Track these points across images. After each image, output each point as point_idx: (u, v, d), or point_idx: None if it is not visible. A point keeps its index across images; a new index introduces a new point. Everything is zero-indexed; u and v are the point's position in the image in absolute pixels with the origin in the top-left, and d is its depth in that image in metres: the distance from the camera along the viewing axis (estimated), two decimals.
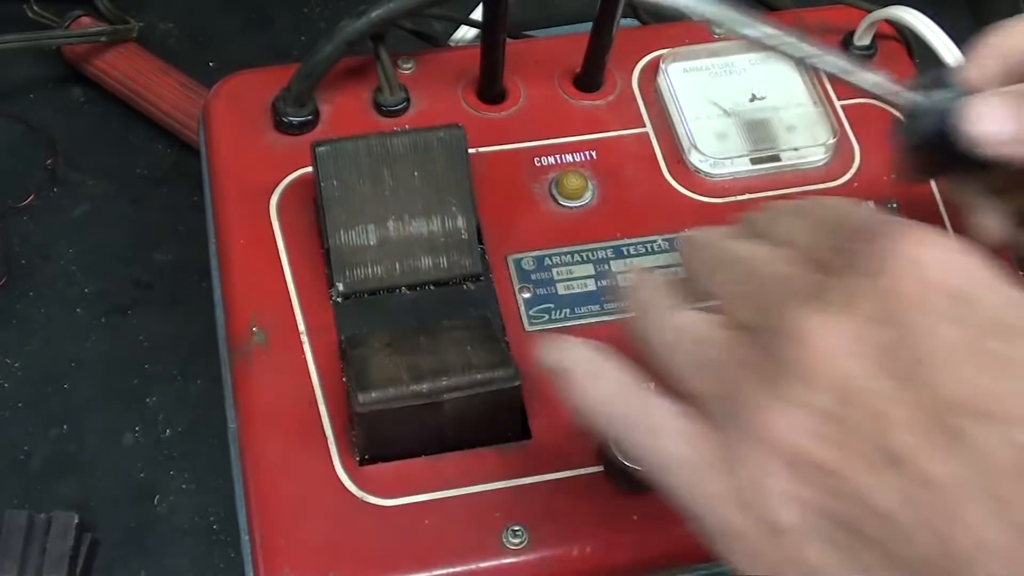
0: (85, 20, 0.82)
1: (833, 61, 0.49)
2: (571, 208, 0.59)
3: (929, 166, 0.52)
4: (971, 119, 0.47)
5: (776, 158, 0.61)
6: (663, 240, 0.58)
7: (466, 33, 0.72)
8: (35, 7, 0.82)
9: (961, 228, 0.52)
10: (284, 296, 0.55)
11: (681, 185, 0.60)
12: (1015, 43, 0.49)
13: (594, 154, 0.61)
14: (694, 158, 0.60)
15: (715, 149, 0.61)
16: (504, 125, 0.61)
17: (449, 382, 0.49)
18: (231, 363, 0.54)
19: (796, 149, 0.61)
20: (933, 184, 0.61)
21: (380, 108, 0.61)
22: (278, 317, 0.54)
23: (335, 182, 0.55)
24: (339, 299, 0.55)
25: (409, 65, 0.63)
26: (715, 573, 0.51)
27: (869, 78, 0.49)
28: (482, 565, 0.49)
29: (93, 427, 0.71)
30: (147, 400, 0.72)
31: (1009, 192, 0.50)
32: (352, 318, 0.54)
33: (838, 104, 0.63)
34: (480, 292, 0.55)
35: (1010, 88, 0.47)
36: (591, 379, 0.40)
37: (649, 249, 0.58)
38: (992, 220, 0.51)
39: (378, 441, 0.50)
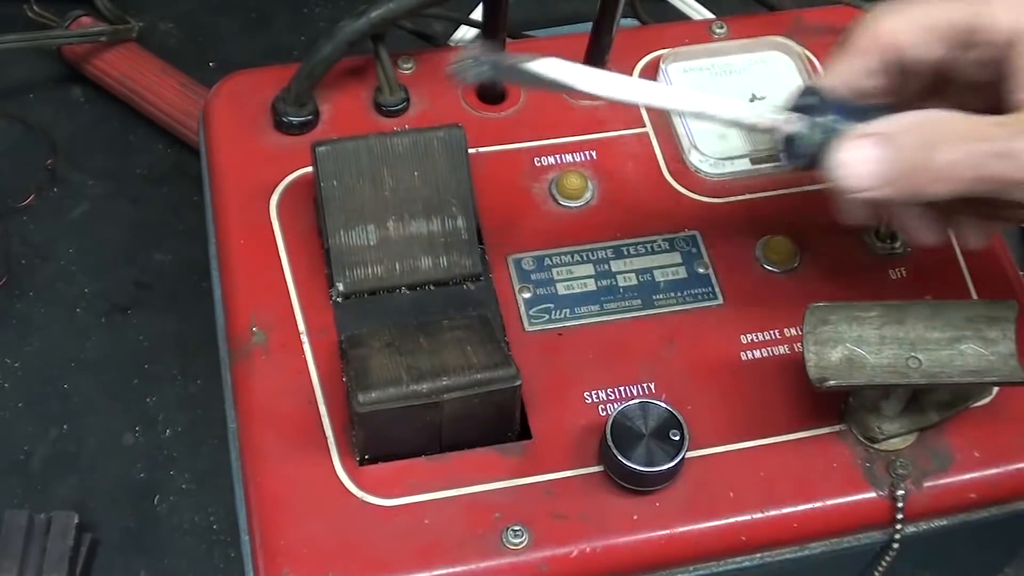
0: (85, 20, 0.82)
1: (706, 105, 0.49)
2: (571, 208, 0.59)
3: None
4: (834, 169, 0.47)
5: (776, 158, 0.61)
6: (663, 240, 0.58)
7: (466, 33, 0.72)
8: (35, 7, 0.83)
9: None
10: (284, 296, 0.55)
11: (681, 185, 0.60)
12: (887, 34, 0.49)
13: (594, 154, 0.61)
14: (694, 158, 0.60)
15: (715, 149, 0.61)
16: (504, 125, 0.61)
17: (449, 382, 0.49)
18: (231, 363, 0.54)
19: None
20: None
21: (380, 108, 0.61)
22: (278, 317, 0.54)
23: (335, 182, 0.55)
24: (339, 299, 0.55)
25: (409, 65, 0.63)
26: (715, 573, 0.51)
27: (745, 113, 0.49)
28: (482, 565, 0.49)
29: (93, 427, 0.71)
30: (147, 400, 0.72)
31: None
32: (352, 318, 0.54)
33: None
34: (480, 292, 0.55)
35: (876, 128, 0.46)
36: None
37: (649, 249, 0.58)
38: (919, 225, 0.51)
39: (378, 441, 0.50)
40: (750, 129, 0.51)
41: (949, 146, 0.45)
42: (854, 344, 0.50)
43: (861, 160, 0.46)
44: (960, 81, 0.50)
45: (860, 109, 0.48)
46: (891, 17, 0.49)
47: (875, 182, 0.46)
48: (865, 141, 0.46)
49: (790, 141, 0.48)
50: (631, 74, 0.64)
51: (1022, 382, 0.48)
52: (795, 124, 0.48)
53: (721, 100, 0.49)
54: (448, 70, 0.47)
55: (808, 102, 0.49)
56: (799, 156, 0.48)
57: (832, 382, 0.48)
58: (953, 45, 0.48)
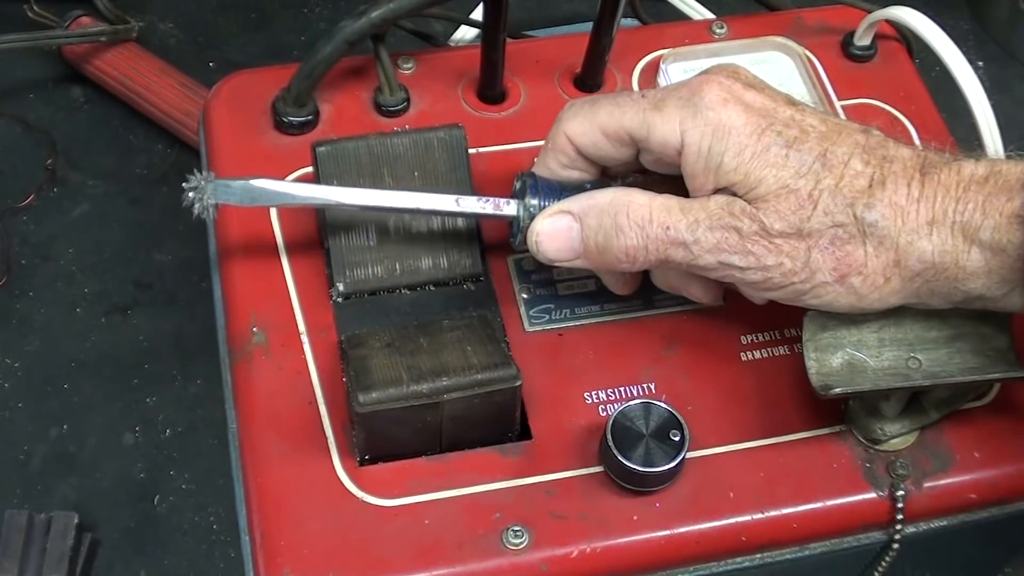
0: (85, 20, 0.82)
1: (420, 202, 0.53)
2: None
3: None
4: (531, 240, 0.51)
5: None
6: None
7: (466, 33, 0.72)
8: (35, 7, 0.83)
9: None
10: (284, 296, 0.55)
11: None
12: (571, 134, 0.51)
13: None
14: None
15: None
16: (504, 125, 0.61)
17: (449, 382, 0.49)
18: (231, 363, 0.54)
19: None
20: None
21: (380, 108, 0.61)
22: (278, 317, 0.54)
23: (335, 182, 0.55)
24: (339, 299, 0.55)
25: (409, 65, 0.63)
26: (715, 573, 0.51)
27: (468, 203, 0.53)
28: (482, 565, 0.49)
29: (93, 427, 0.71)
30: (147, 400, 0.73)
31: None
32: (352, 318, 0.54)
33: (838, 104, 0.63)
34: (480, 292, 0.55)
35: (567, 207, 0.51)
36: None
37: None
38: (696, 289, 0.53)
39: (378, 441, 0.50)
40: (478, 218, 0.55)
41: (629, 231, 0.49)
42: (854, 348, 0.50)
43: (553, 234, 0.51)
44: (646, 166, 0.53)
45: (566, 188, 0.52)
46: (575, 120, 0.52)
47: (567, 255, 0.51)
48: (558, 217, 0.51)
49: (511, 223, 0.53)
50: (631, 74, 0.64)
51: (1022, 377, 0.48)
52: (511, 208, 0.52)
53: (436, 197, 0.53)
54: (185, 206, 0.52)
55: (525, 185, 0.52)
56: (515, 235, 0.53)
57: (837, 389, 0.48)
58: (629, 146, 0.51)
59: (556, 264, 0.52)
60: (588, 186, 0.52)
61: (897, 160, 0.47)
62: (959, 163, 0.47)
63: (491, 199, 0.52)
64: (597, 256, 0.50)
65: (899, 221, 0.46)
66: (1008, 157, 0.48)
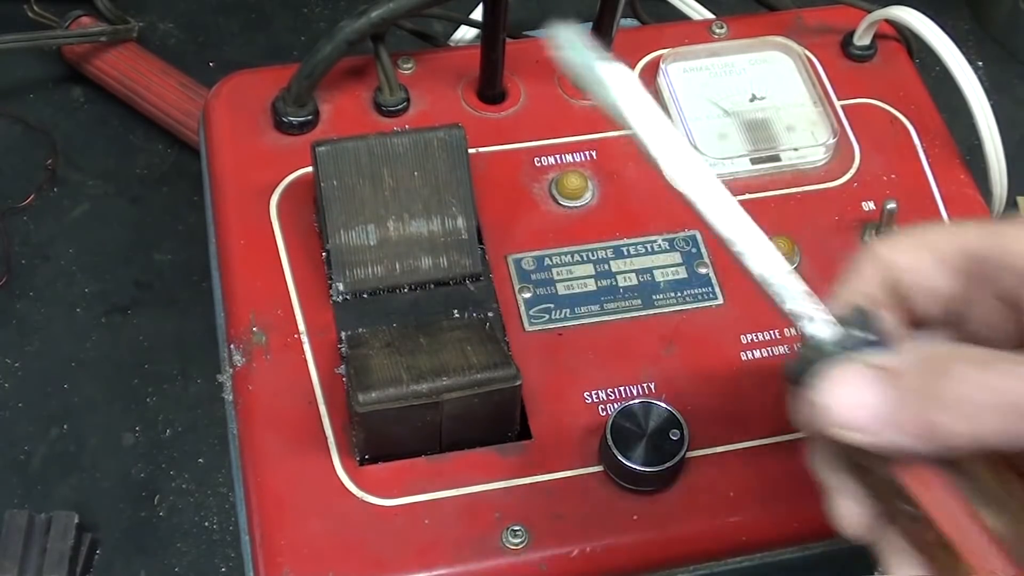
0: (85, 20, 0.82)
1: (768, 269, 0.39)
2: (571, 208, 0.59)
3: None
4: (814, 396, 0.38)
5: (776, 158, 0.61)
6: (663, 240, 0.58)
7: (466, 33, 0.72)
8: (35, 7, 0.82)
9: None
10: (284, 296, 0.55)
11: None
12: (899, 250, 0.41)
13: (594, 154, 0.61)
14: None
15: (715, 149, 0.61)
16: (504, 125, 0.61)
17: (449, 382, 0.49)
18: (231, 363, 0.54)
19: (796, 149, 0.61)
20: (932, 182, 0.61)
21: (380, 108, 0.61)
22: (278, 317, 0.54)
23: (335, 182, 0.55)
24: (339, 299, 0.55)
25: (409, 65, 0.63)
26: (715, 573, 0.51)
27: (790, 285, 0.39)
28: (482, 565, 0.49)
29: (93, 427, 0.71)
30: (147, 400, 0.72)
31: (876, 489, 0.40)
32: (352, 318, 0.54)
33: (838, 104, 0.63)
34: (480, 292, 0.55)
35: (873, 359, 0.37)
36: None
37: (649, 249, 0.58)
38: (848, 509, 0.40)
39: (378, 441, 0.50)
40: (782, 303, 0.39)
41: (964, 374, 0.35)
42: None
43: (852, 387, 0.37)
44: (975, 319, 0.41)
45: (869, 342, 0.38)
46: (896, 243, 0.41)
47: (865, 421, 0.36)
48: (865, 369, 0.37)
49: (800, 347, 0.39)
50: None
51: None
52: (821, 325, 0.38)
53: (769, 252, 0.39)
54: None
55: (865, 317, 0.39)
56: (801, 367, 0.38)
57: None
58: (961, 275, 0.40)
59: (834, 434, 0.37)
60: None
61: None
62: None
63: (815, 299, 0.39)
64: (916, 414, 0.36)
65: None
66: None
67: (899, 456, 0.37)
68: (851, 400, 0.37)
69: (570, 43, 0.38)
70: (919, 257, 0.40)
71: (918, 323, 0.41)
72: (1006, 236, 0.39)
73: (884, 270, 0.41)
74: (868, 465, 0.39)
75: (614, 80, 0.38)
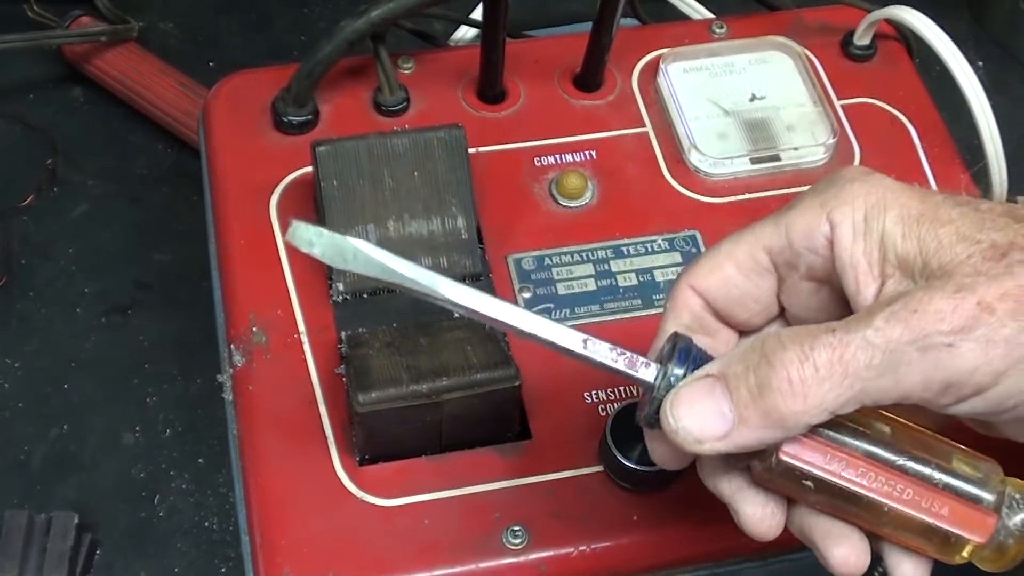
0: (85, 20, 0.82)
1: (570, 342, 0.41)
2: (571, 208, 0.59)
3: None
4: (667, 422, 0.39)
5: (776, 158, 0.61)
6: (663, 240, 0.58)
7: (466, 33, 0.71)
8: (35, 7, 0.83)
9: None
10: (284, 296, 0.55)
11: (681, 185, 0.60)
12: (701, 272, 0.43)
13: (594, 154, 0.61)
14: (694, 158, 0.60)
15: (715, 149, 0.61)
16: (504, 125, 0.61)
17: (449, 382, 0.49)
18: (231, 363, 0.54)
19: (796, 149, 0.61)
20: (932, 182, 0.61)
21: (380, 108, 0.61)
22: (278, 317, 0.54)
23: (335, 182, 0.55)
24: (339, 299, 0.55)
25: (409, 65, 0.63)
26: (715, 573, 0.51)
27: (598, 350, 0.41)
28: (482, 565, 0.49)
29: (93, 427, 0.71)
30: (147, 400, 0.73)
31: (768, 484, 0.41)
32: (352, 318, 0.54)
33: (838, 104, 0.63)
34: None
35: (699, 372, 0.39)
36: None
37: (649, 249, 0.58)
38: (753, 514, 0.41)
39: (378, 441, 0.50)
40: (605, 370, 0.41)
41: (788, 351, 0.37)
42: None
43: (692, 400, 0.39)
44: (796, 305, 0.43)
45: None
46: (696, 266, 0.43)
47: (715, 425, 0.38)
48: (697, 382, 0.39)
49: (644, 393, 0.41)
50: (631, 74, 0.64)
51: None
52: (648, 371, 0.40)
53: (562, 331, 0.41)
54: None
55: (674, 349, 0.41)
56: (648, 408, 0.41)
57: None
58: (767, 272, 0.42)
59: (704, 450, 0.39)
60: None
61: None
62: None
63: (627, 353, 0.40)
64: (754, 407, 0.38)
65: None
66: None
67: (766, 448, 0.39)
68: (695, 414, 0.39)
69: (309, 240, 0.40)
70: (722, 274, 0.42)
71: (755, 328, 0.44)
72: (790, 221, 0.41)
73: (694, 298, 0.43)
74: (760, 467, 0.40)
75: (368, 248, 0.40)
